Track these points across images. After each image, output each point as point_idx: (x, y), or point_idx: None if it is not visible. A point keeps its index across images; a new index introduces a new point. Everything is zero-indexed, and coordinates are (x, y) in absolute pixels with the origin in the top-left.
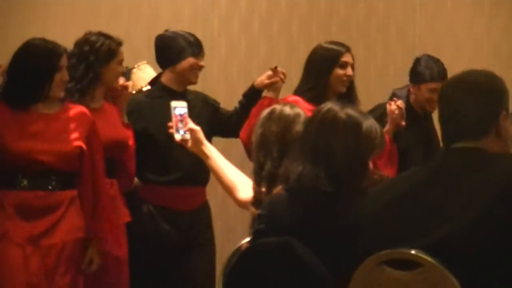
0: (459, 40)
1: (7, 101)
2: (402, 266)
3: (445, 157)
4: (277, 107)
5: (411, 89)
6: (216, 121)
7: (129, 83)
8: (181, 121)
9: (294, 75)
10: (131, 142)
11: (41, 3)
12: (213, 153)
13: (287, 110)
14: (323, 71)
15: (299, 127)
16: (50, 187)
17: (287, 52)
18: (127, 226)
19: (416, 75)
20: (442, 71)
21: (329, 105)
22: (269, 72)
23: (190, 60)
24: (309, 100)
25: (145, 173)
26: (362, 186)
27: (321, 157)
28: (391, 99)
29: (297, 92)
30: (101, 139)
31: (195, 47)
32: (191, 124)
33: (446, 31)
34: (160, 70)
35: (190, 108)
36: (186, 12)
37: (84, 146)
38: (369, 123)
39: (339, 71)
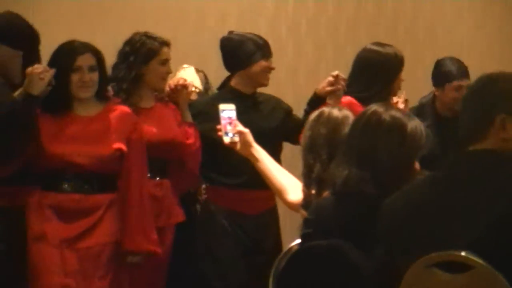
0: None
1: (45, 105)
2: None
3: (458, 160)
4: (326, 109)
5: (436, 93)
6: (286, 126)
7: (190, 83)
8: (230, 123)
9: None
10: (191, 140)
11: (92, 3)
12: (262, 155)
13: (335, 112)
14: (391, 78)
15: (347, 129)
16: (88, 190)
17: (334, 55)
18: (189, 226)
19: (439, 77)
20: (464, 69)
21: (373, 107)
22: (330, 79)
23: (262, 63)
24: (364, 102)
25: (211, 174)
26: None
27: (366, 160)
28: (418, 109)
29: (350, 93)
30: (151, 139)
31: (265, 49)
32: (240, 127)
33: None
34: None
35: (259, 110)
36: (233, 15)
37: (125, 148)
38: (414, 124)
39: (400, 78)
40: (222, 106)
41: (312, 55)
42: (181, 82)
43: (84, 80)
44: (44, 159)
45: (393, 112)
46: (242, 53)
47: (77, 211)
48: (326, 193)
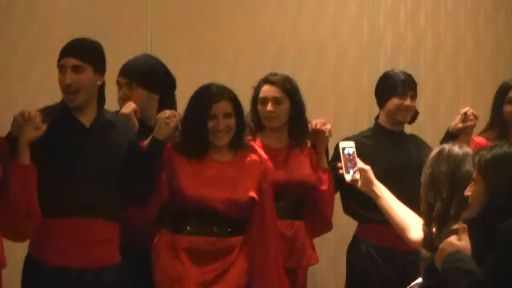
0: None
1: (182, 148)
2: None
3: None
4: (446, 146)
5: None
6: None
7: (327, 127)
8: (350, 160)
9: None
10: (324, 187)
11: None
12: (384, 192)
13: (456, 149)
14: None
15: (468, 167)
16: (222, 233)
17: (473, 92)
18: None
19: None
20: None
21: (501, 143)
22: (461, 116)
23: (395, 100)
24: (492, 139)
25: (362, 211)
26: None
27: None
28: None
29: (481, 132)
30: (280, 179)
31: (401, 85)
32: (361, 164)
33: None
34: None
35: (401, 149)
36: (353, 6)
37: (256, 196)
38: None
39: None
40: (342, 144)
41: (451, 92)
42: (319, 125)
43: (219, 128)
44: (180, 200)
45: None
46: (381, 89)
47: (212, 254)
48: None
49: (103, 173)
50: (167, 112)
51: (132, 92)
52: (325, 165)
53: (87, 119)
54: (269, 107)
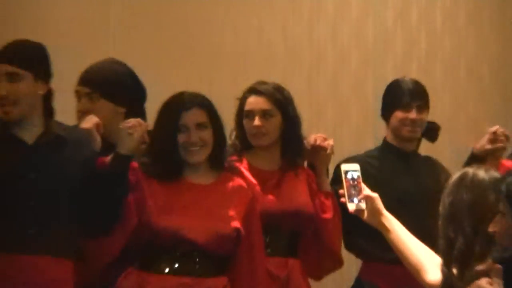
0: None
1: (150, 170)
2: None
3: None
4: (470, 170)
5: None
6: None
7: (329, 142)
8: (354, 186)
9: None
10: (328, 215)
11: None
12: (395, 225)
13: (481, 174)
14: None
15: (497, 195)
16: (200, 272)
17: None
18: None
19: None
20: None
21: None
22: (490, 136)
23: (398, 114)
24: None
25: (368, 247)
26: None
27: None
28: None
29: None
30: (269, 209)
31: (406, 95)
32: (367, 191)
33: None
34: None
35: (414, 173)
36: (355, 3)
37: (242, 228)
38: None
39: None
40: (344, 166)
41: (474, 104)
42: (319, 141)
43: (190, 142)
44: (149, 233)
45: None
46: (386, 100)
47: None
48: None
49: (50, 199)
50: (130, 121)
51: (93, 104)
52: (328, 188)
53: (30, 135)
54: (257, 121)
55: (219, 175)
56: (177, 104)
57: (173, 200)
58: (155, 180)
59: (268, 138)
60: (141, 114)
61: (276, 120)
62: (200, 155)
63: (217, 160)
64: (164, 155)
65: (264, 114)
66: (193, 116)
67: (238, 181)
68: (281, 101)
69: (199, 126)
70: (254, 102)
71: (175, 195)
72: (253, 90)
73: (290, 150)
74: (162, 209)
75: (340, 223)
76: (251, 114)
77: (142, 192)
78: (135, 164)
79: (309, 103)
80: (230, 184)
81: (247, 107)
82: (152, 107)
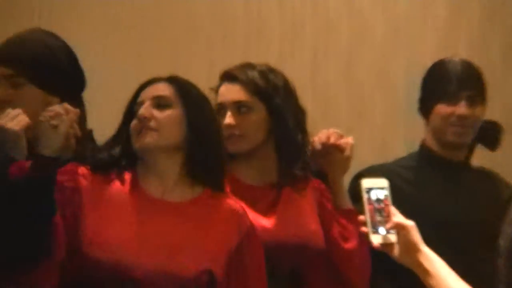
0: None
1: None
2: None
3: None
4: None
5: None
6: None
7: (347, 141)
8: (380, 211)
9: None
10: (350, 245)
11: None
12: (436, 266)
13: None
14: None
15: None
16: None
17: None
18: None
19: None
20: None
21: None
22: None
23: (441, 108)
24: None
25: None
26: None
27: None
28: None
29: None
30: (268, 240)
31: (453, 83)
32: (399, 217)
33: None
34: None
35: (464, 192)
36: None
37: (220, 273)
38: None
39: None
40: (366, 183)
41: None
42: (333, 138)
43: (137, 117)
44: (85, 267)
45: None
46: (425, 90)
47: None
48: None
49: None
50: (53, 109)
51: (16, 92)
52: (349, 204)
53: None
54: (228, 118)
55: (201, 191)
56: (143, 84)
57: (120, 222)
58: (97, 188)
59: (246, 141)
60: (79, 106)
61: (257, 116)
62: (149, 141)
63: (196, 168)
64: (110, 146)
65: (239, 107)
66: (152, 89)
67: (230, 202)
68: (264, 90)
69: (158, 101)
70: (225, 91)
71: (124, 215)
72: (225, 75)
73: (285, 157)
74: (100, 233)
75: (369, 254)
76: (222, 109)
77: (76, 205)
78: (73, 165)
79: (313, 94)
80: (217, 204)
81: (219, 99)
82: (107, 103)
